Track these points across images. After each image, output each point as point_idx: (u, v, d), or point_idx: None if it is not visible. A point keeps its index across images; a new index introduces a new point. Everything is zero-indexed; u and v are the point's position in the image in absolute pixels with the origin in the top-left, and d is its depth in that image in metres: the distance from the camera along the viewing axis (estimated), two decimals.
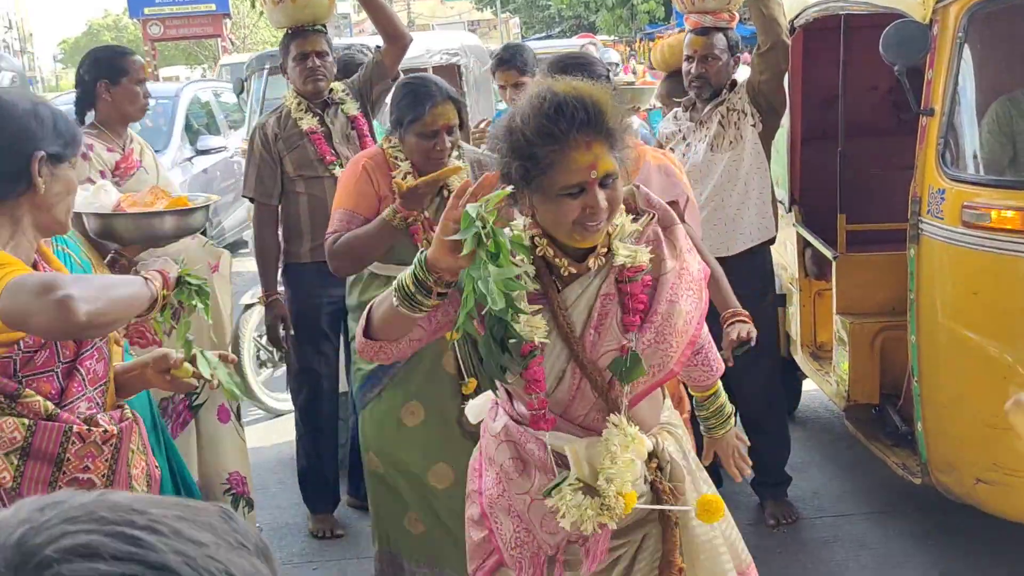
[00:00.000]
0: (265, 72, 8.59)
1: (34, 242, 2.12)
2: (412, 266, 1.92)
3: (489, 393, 2.35)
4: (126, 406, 2.27)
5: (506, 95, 4.15)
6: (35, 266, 2.13)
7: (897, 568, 3.80)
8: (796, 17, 4.51)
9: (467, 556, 2.36)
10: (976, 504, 3.44)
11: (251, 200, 4.18)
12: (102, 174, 3.59)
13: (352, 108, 4.20)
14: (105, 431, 2.09)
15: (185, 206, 3.04)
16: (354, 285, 3.52)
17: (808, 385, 5.08)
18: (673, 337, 2.09)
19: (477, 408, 2.43)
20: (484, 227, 1.78)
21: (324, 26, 4.22)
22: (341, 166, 3.96)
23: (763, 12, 3.86)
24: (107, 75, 3.68)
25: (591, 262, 2.06)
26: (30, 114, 2.07)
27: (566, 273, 2.07)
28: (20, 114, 2.06)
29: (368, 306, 2.09)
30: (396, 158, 3.29)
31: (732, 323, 2.97)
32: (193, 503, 0.70)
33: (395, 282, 1.96)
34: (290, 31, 4.15)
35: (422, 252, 1.92)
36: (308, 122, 4.08)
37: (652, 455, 2.17)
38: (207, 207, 3.04)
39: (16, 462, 1.99)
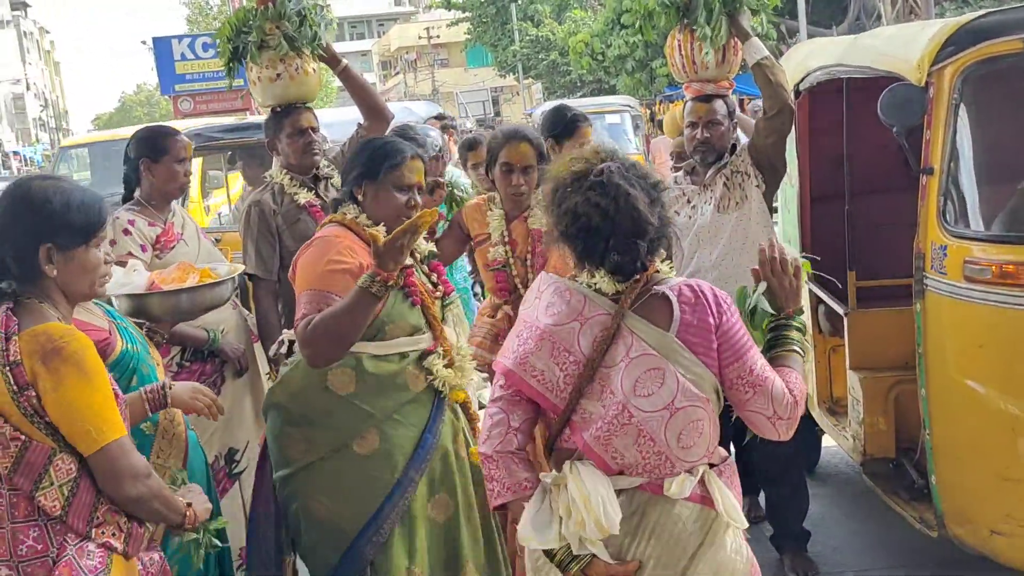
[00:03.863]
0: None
1: (71, 308, 2.42)
2: None
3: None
4: None
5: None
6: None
7: None
8: (800, 81, 4.64)
9: None
10: (991, 556, 3.46)
11: (249, 277, 4.19)
12: (143, 248, 3.74)
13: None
14: None
15: (212, 279, 3.15)
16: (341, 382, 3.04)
17: (829, 441, 5.12)
18: None
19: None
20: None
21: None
22: None
23: (769, 79, 3.99)
24: (148, 154, 3.84)
25: None
26: (40, 206, 2.32)
27: None
28: (31, 208, 2.32)
29: None
30: (366, 226, 3.07)
31: None
32: None
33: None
34: (279, 109, 4.28)
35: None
36: (305, 196, 4.19)
37: None
38: (234, 279, 3.13)
39: (67, 493, 2.27)
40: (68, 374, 2.24)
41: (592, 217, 2.28)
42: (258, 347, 4.12)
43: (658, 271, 2.41)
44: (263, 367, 4.14)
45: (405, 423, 3.07)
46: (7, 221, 2.33)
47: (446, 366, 3.14)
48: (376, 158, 3.08)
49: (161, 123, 5.77)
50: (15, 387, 2.24)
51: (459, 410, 3.24)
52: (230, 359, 3.87)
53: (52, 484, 2.26)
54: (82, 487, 2.30)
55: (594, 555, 2.26)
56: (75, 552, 2.26)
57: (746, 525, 2.38)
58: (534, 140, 3.80)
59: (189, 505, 2.50)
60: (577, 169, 2.34)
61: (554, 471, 2.37)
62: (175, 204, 4.01)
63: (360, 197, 3.11)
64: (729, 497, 2.34)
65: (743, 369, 2.29)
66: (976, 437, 3.41)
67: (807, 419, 4.90)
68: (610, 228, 2.28)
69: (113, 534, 2.33)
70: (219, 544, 2.68)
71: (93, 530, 2.30)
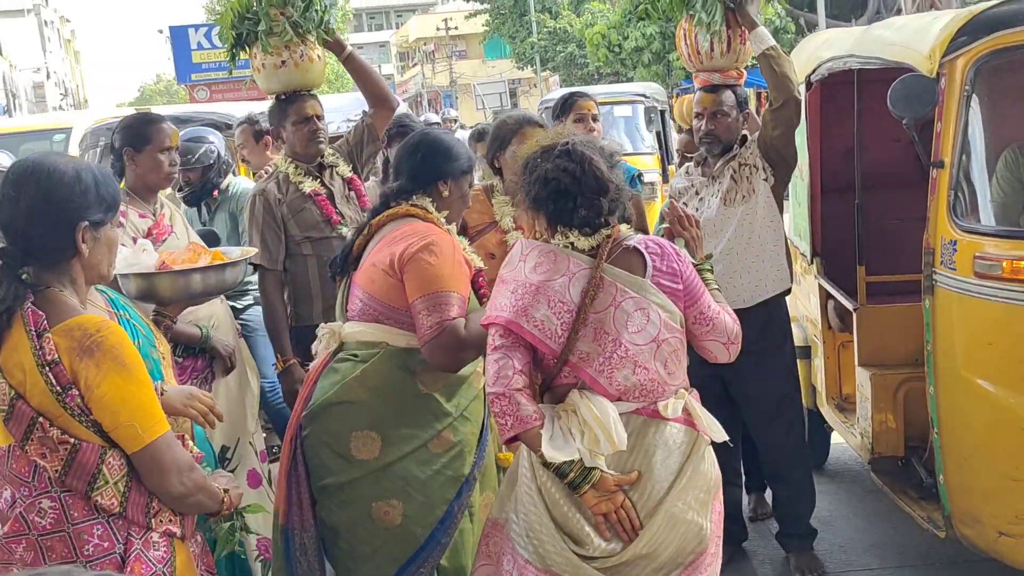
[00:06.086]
0: (99, 150, 6.55)
1: (87, 293, 2.32)
2: None
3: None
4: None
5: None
6: None
7: None
8: (812, 72, 4.56)
9: None
10: (999, 558, 3.39)
11: (254, 268, 4.10)
12: (135, 240, 3.64)
13: (346, 170, 4.28)
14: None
15: (223, 261, 3.07)
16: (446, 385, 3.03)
17: (837, 438, 5.04)
18: None
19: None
20: None
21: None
22: (346, 226, 4.04)
23: (775, 70, 3.91)
24: (131, 143, 3.68)
25: None
26: (74, 182, 2.21)
27: None
28: (65, 185, 2.20)
29: None
30: (441, 223, 3.08)
31: None
32: None
33: None
34: (284, 96, 4.22)
35: None
36: (310, 185, 4.13)
37: None
38: (244, 261, 3.07)
39: (123, 488, 2.23)
40: (110, 370, 2.15)
41: (561, 179, 2.62)
42: (242, 342, 4.05)
43: (620, 230, 2.70)
44: (251, 366, 4.07)
45: (471, 419, 3.07)
46: (37, 202, 2.19)
47: None
48: (464, 158, 3.16)
49: (145, 110, 5.65)
50: (58, 387, 2.15)
51: None
52: (221, 356, 3.75)
53: (107, 483, 2.21)
54: (136, 481, 2.24)
55: (601, 472, 2.55)
56: (142, 545, 2.23)
57: (725, 437, 2.70)
58: (544, 126, 3.81)
59: (226, 491, 2.44)
60: (546, 143, 2.70)
61: (549, 404, 2.67)
62: (162, 195, 3.92)
63: (446, 193, 3.12)
64: (708, 416, 2.69)
65: (703, 306, 2.69)
66: (985, 436, 3.34)
67: (815, 415, 4.84)
68: (577, 187, 2.62)
69: (171, 520, 2.30)
70: (250, 530, 2.67)
71: (152, 520, 2.27)
